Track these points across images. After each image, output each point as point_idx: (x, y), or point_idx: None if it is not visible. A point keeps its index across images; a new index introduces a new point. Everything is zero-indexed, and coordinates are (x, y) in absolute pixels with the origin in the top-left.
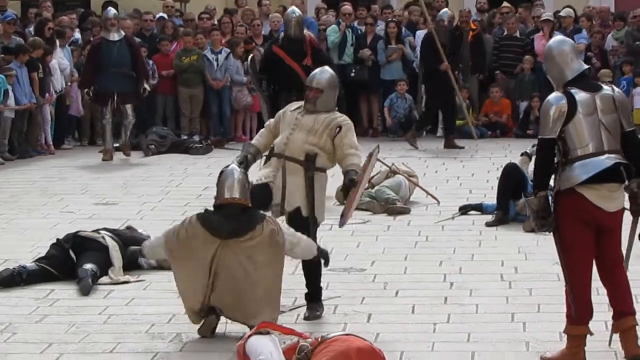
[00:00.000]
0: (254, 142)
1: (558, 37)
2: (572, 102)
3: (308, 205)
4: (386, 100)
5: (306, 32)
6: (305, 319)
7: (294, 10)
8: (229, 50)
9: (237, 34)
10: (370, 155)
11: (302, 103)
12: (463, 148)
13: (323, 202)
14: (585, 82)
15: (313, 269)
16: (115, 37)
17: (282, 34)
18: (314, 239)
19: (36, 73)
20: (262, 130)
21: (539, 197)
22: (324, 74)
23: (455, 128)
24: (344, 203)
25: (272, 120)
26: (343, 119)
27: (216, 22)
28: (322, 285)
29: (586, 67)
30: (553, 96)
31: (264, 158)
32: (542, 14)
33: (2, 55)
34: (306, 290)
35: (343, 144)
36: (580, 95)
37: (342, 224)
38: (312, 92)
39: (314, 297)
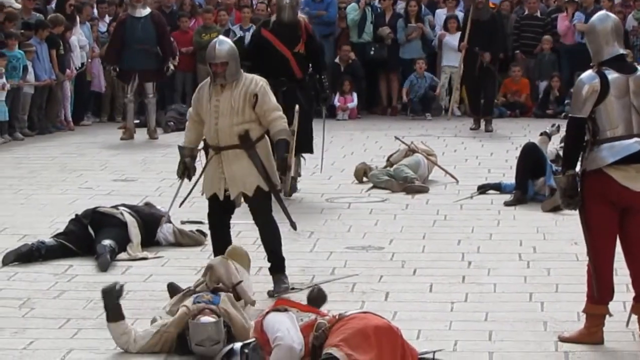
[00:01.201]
0: (184, 141)
1: (602, 13)
2: (604, 83)
3: (264, 178)
4: (405, 82)
5: (301, 15)
6: (274, 293)
7: None
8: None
9: (257, 10)
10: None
11: (205, 84)
12: (491, 131)
13: (273, 165)
14: (621, 63)
15: (272, 238)
16: (141, 13)
17: (274, 17)
18: (282, 205)
19: (56, 49)
20: (187, 123)
21: (567, 175)
22: (223, 45)
23: (490, 111)
24: (363, 181)
25: (190, 110)
26: (254, 84)
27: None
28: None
29: (623, 51)
30: (586, 75)
31: (203, 152)
32: None
33: (22, 31)
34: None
35: (264, 111)
36: (613, 76)
37: (288, 192)
38: (219, 67)
39: (278, 268)
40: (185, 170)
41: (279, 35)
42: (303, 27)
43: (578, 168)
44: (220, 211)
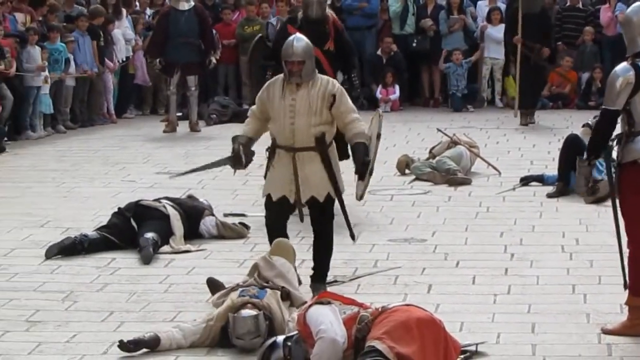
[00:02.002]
0: (242, 130)
1: (638, 4)
2: (639, 75)
3: (333, 185)
4: (445, 68)
5: (329, 11)
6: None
7: None
8: None
9: (297, 2)
10: (372, 120)
11: (276, 81)
12: (533, 123)
13: (339, 171)
14: None
15: (326, 249)
16: (184, 6)
17: (301, 13)
18: (345, 213)
19: (97, 41)
20: (248, 118)
21: (590, 165)
22: (299, 42)
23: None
24: (405, 173)
25: (254, 107)
26: (331, 84)
27: None
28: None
29: None
30: (620, 67)
31: (267, 152)
32: None
33: (64, 24)
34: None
35: (341, 112)
36: None
37: (360, 196)
38: (294, 65)
39: (321, 278)
40: (239, 159)
41: (307, 33)
42: (331, 24)
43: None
44: (281, 213)
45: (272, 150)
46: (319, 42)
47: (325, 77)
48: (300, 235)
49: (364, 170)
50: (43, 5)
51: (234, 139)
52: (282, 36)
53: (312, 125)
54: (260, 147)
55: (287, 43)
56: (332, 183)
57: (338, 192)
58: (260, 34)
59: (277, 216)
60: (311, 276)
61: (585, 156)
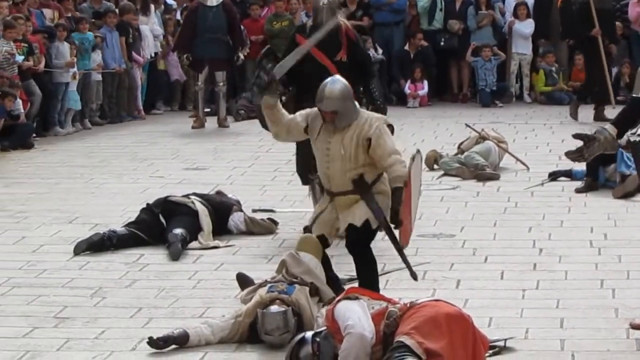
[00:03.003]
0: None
1: None
2: None
3: (378, 217)
4: (473, 62)
5: (341, 19)
6: None
7: None
8: None
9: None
10: (412, 161)
11: (317, 116)
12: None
13: (388, 205)
14: None
15: (372, 277)
16: (212, 2)
17: (309, 21)
18: (397, 247)
19: (125, 37)
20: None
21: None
22: (332, 90)
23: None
24: (434, 168)
25: (298, 116)
26: (368, 125)
27: None
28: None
29: None
30: None
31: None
32: None
33: (93, 20)
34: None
35: (379, 157)
36: None
37: (403, 245)
38: (327, 115)
39: None
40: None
41: (317, 42)
42: (344, 33)
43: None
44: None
45: (320, 188)
46: (330, 52)
47: (365, 116)
48: None
49: (395, 220)
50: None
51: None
52: (292, 47)
53: (347, 171)
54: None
55: (320, 87)
56: (375, 214)
57: (387, 226)
58: (268, 45)
59: None
60: None
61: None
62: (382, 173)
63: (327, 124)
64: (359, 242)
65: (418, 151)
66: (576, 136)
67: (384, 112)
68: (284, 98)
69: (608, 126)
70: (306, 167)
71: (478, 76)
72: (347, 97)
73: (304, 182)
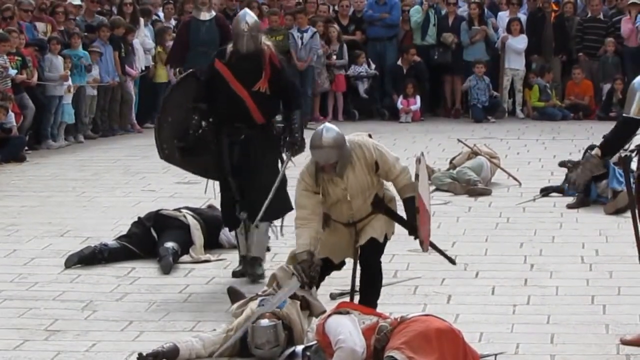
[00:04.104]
0: (299, 244)
1: None
2: None
3: (400, 222)
4: (465, 83)
5: (266, 43)
6: None
7: (246, 14)
8: (314, 30)
9: (319, 12)
10: (418, 164)
11: (307, 172)
12: None
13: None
14: None
15: (374, 292)
16: (205, 16)
17: (230, 46)
18: (437, 248)
19: (118, 51)
20: (300, 228)
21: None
22: (327, 140)
23: None
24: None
25: (303, 213)
26: (367, 150)
27: (302, 2)
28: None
29: None
30: (638, 79)
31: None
32: None
33: (85, 33)
34: None
35: (386, 172)
36: None
37: (424, 249)
38: (326, 167)
39: None
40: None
41: (236, 70)
42: (267, 60)
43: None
44: (324, 270)
45: (326, 220)
46: (248, 82)
47: (353, 144)
48: None
49: (413, 227)
50: (58, 14)
51: (295, 259)
52: (212, 74)
53: (367, 198)
54: None
55: (314, 137)
56: (397, 220)
57: (411, 227)
58: (191, 69)
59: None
60: None
61: (594, 151)
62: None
63: (328, 175)
64: (375, 256)
65: (422, 154)
66: (561, 164)
67: (301, 149)
68: (200, 131)
69: (594, 151)
70: (231, 209)
71: (471, 94)
72: (342, 144)
73: (233, 226)
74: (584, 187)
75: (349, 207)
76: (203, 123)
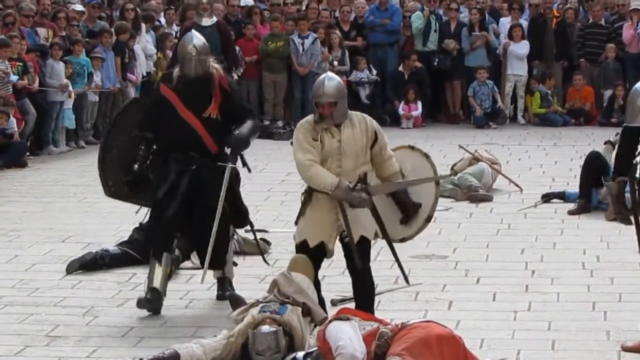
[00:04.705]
0: (330, 178)
1: None
2: None
3: (379, 223)
4: (469, 89)
5: (214, 66)
6: None
7: (193, 36)
8: (315, 35)
9: (321, 17)
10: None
11: (306, 125)
12: None
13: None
14: None
15: (366, 293)
16: (206, 22)
17: (177, 70)
18: (394, 252)
19: (121, 57)
20: (313, 167)
21: (618, 181)
22: (331, 81)
23: None
24: None
25: (307, 157)
26: (368, 120)
27: (303, 8)
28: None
29: None
30: (638, 86)
31: (303, 196)
32: (627, 2)
33: (87, 39)
34: None
35: (381, 148)
36: None
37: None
38: (325, 108)
39: None
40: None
41: (184, 96)
42: (217, 84)
43: None
44: (317, 260)
45: (308, 195)
46: (199, 108)
47: (354, 112)
48: None
49: (415, 207)
50: (61, 18)
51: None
52: (158, 100)
53: (358, 167)
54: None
55: (317, 82)
56: (377, 221)
57: (385, 232)
58: (135, 96)
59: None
60: None
61: (611, 174)
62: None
63: (326, 120)
64: (365, 255)
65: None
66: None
67: (242, 144)
68: (147, 162)
69: (610, 184)
70: (167, 235)
71: (475, 98)
72: (343, 92)
73: (159, 253)
74: (585, 192)
75: (338, 165)
76: (150, 153)
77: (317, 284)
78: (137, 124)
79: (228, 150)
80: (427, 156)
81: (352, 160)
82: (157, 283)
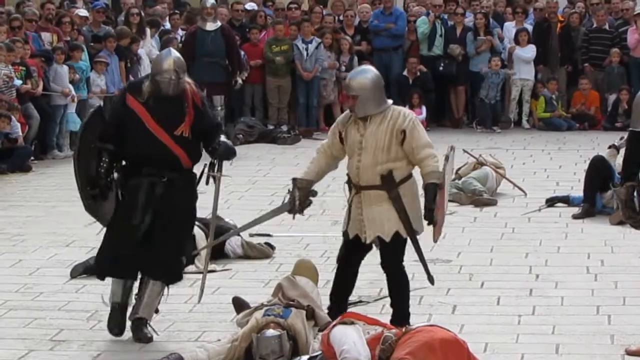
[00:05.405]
0: (304, 171)
1: None
2: None
3: (405, 224)
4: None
5: (187, 80)
6: None
7: (170, 52)
8: (319, 40)
9: (325, 22)
10: (446, 159)
11: (346, 115)
12: None
13: (418, 209)
14: None
15: (399, 291)
16: (211, 26)
17: (147, 85)
18: (421, 255)
19: (124, 62)
20: (315, 155)
21: (626, 186)
22: (358, 75)
23: None
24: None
25: (324, 142)
26: (402, 117)
27: (307, 12)
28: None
29: None
30: None
31: (346, 185)
32: (631, 6)
33: (92, 44)
34: None
35: (412, 148)
36: None
37: (436, 239)
38: (349, 100)
39: (400, 319)
40: (294, 206)
41: (155, 112)
42: (190, 101)
43: None
44: (354, 252)
45: (349, 186)
46: (171, 125)
47: (397, 109)
48: (325, 256)
49: (430, 215)
50: (64, 23)
51: (294, 182)
52: (119, 112)
53: (379, 163)
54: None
55: (351, 74)
56: (402, 221)
57: (412, 231)
58: (99, 104)
59: (349, 252)
60: (391, 320)
61: (616, 179)
62: (411, 174)
63: (352, 113)
64: (393, 256)
65: (452, 148)
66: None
67: (227, 153)
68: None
69: (618, 189)
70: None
71: (481, 89)
72: (367, 87)
73: (119, 273)
74: (590, 196)
75: (358, 160)
76: (114, 165)
77: (354, 275)
78: (98, 134)
79: (215, 160)
80: (446, 158)
81: (370, 156)
82: (118, 299)
